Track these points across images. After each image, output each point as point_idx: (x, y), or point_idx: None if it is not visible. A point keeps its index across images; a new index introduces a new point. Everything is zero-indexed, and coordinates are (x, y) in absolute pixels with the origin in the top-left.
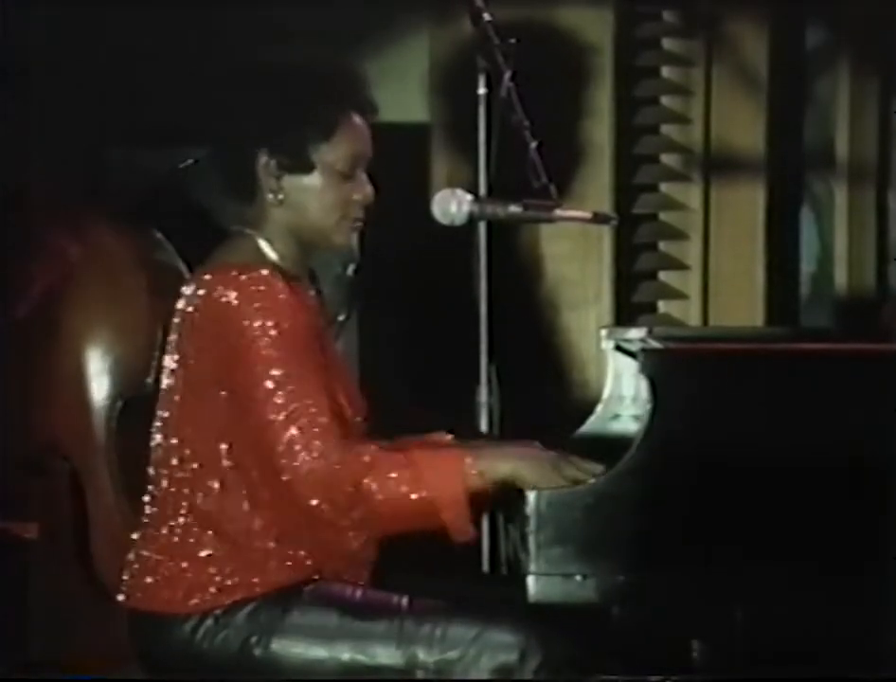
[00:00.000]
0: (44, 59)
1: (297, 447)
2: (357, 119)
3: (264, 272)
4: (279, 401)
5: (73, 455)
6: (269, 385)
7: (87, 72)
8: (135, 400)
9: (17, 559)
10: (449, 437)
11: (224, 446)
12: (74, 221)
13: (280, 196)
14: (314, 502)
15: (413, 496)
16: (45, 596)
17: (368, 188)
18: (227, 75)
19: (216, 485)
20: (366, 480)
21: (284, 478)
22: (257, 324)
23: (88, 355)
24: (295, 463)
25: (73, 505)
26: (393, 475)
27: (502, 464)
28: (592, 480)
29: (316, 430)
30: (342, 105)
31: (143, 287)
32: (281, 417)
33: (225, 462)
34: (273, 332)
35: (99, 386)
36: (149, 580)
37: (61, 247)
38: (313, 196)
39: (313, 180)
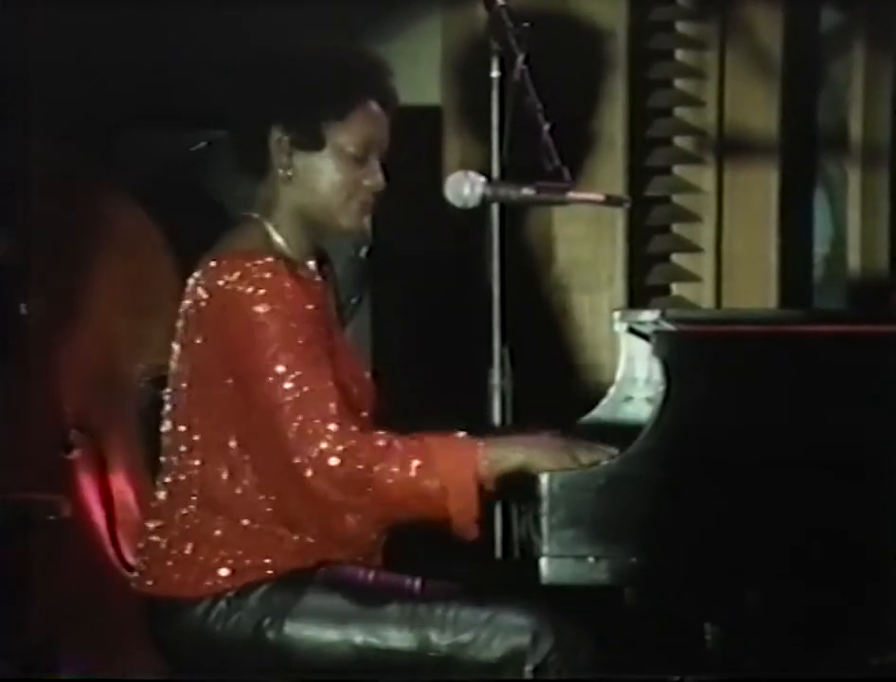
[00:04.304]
0: (60, 43)
1: (309, 433)
2: (374, 106)
3: (270, 259)
4: (289, 386)
5: (100, 433)
6: (279, 370)
7: (105, 55)
8: (163, 379)
9: (42, 536)
10: (462, 434)
11: (231, 433)
12: (97, 200)
13: (290, 173)
14: (325, 487)
15: (423, 483)
16: (70, 573)
17: (380, 176)
18: (248, 56)
19: (224, 471)
20: (377, 466)
21: (295, 462)
22: (263, 311)
23: (115, 334)
24: (306, 449)
25: (99, 484)
26: (405, 461)
27: (515, 452)
28: (605, 462)
29: (327, 416)
30: (359, 89)
31: (167, 266)
32: (291, 403)
33: (233, 449)
34: (278, 319)
35: (127, 366)
36: (161, 564)
37: (84, 227)
38: (322, 175)
39: (324, 159)
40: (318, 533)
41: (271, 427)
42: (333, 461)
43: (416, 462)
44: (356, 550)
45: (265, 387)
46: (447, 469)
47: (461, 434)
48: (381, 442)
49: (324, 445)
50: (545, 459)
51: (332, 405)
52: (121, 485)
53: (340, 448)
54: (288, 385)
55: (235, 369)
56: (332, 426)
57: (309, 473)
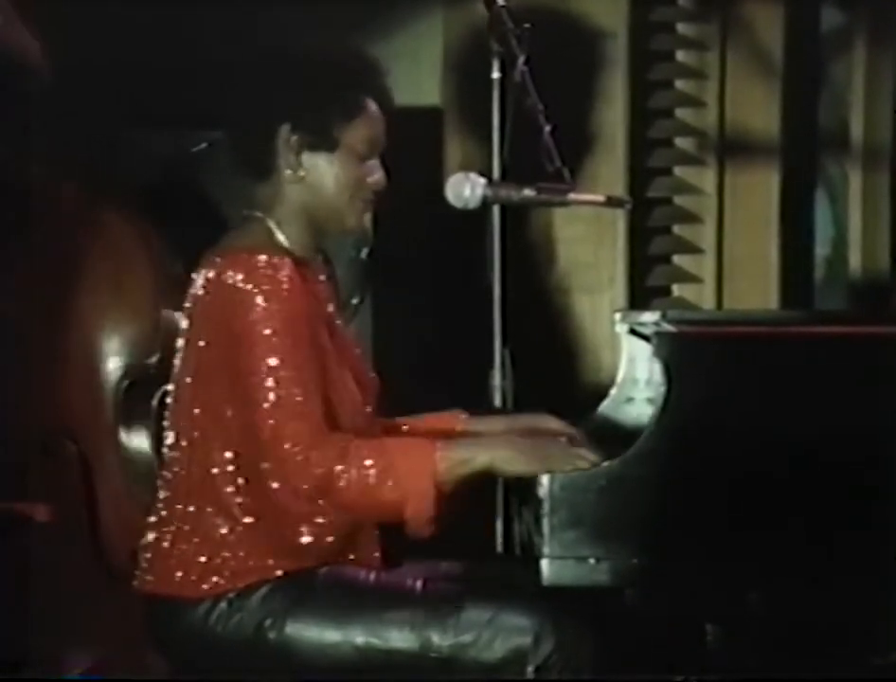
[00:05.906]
0: (57, 40)
1: (277, 431)
2: (374, 106)
3: (273, 256)
4: (270, 384)
5: (81, 437)
6: (263, 369)
7: (101, 54)
8: (143, 381)
9: (25, 541)
10: (464, 415)
11: (229, 429)
12: (82, 203)
13: (301, 173)
14: (286, 487)
15: (381, 487)
16: (54, 578)
17: (381, 174)
18: (256, 56)
19: (225, 468)
20: (337, 467)
21: (264, 463)
22: (262, 307)
23: (95, 337)
24: (272, 447)
25: (82, 487)
26: (365, 463)
27: (479, 455)
28: (585, 466)
29: (298, 416)
30: (363, 90)
31: (150, 268)
32: (269, 401)
33: (233, 445)
34: (274, 318)
35: (107, 368)
36: (162, 563)
37: (69, 230)
38: (331, 175)
39: (332, 159)
40: (278, 538)
41: (252, 424)
42: (295, 462)
43: (373, 466)
44: (357, 550)
45: (251, 383)
46: (405, 472)
47: (463, 415)
48: (341, 445)
49: (288, 446)
50: (513, 462)
51: (307, 409)
52: (104, 487)
53: (302, 449)
54: (269, 384)
55: (233, 365)
56: (298, 428)
57: (274, 473)
